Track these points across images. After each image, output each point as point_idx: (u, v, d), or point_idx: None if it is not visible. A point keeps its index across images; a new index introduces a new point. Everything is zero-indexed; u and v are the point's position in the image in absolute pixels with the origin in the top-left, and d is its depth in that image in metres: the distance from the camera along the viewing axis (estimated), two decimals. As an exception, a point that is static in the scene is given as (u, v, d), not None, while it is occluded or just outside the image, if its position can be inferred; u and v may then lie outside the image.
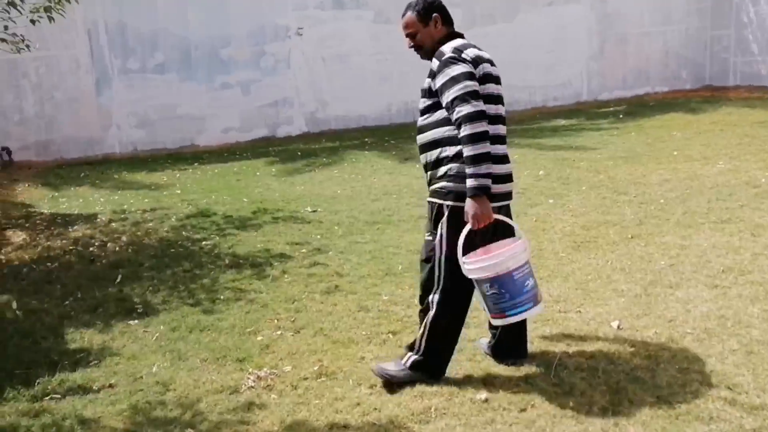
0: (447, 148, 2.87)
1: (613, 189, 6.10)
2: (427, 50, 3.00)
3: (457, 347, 3.04)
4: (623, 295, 3.83)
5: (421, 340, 2.97)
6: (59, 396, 3.05)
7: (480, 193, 2.74)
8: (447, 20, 3.01)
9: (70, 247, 5.31)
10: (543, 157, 7.69)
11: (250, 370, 3.21)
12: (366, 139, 9.45)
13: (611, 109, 10.96)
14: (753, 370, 2.95)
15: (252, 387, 3.05)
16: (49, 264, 4.95)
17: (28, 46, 6.05)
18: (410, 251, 4.70)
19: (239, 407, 2.91)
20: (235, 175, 7.82)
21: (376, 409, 2.82)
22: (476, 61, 2.86)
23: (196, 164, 8.52)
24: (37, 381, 3.17)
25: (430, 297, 2.96)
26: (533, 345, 3.26)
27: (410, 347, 3.04)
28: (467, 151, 2.75)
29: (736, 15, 12.02)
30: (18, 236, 5.72)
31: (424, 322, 2.98)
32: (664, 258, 4.36)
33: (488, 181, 2.75)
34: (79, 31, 9.03)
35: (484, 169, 2.74)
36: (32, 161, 8.96)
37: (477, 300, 2.95)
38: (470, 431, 2.64)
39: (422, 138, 3.00)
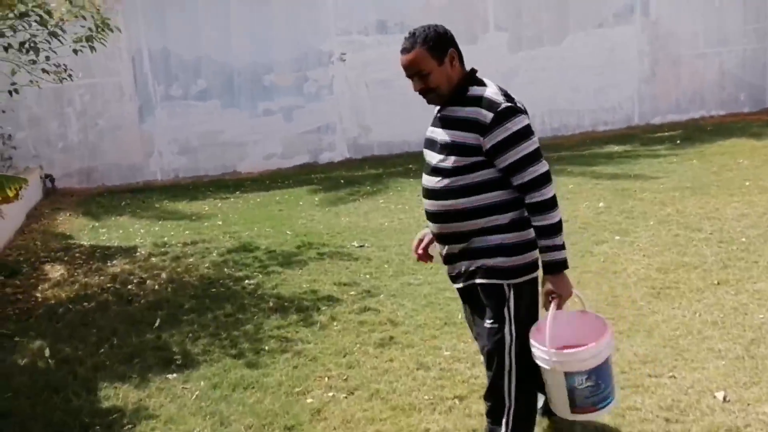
0: (499, 216, 2.42)
1: (685, 225, 5.60)
2: (442, 94, 2.48)
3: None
4: (722, 357, 3.35)
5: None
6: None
7: (563, 268, 2.40)
8: (460, 55, 2.50)
9: (108, 285, 5.08)
10: (600, 186, 7.23)
11: (300, 440, 2.87)
12: (410, 166, 9.10)
13: (666, 133, 10.41)
14: None
15: (303, 462, 2.71)
16: (85, 304, 4.72)
17: (70, 76, 5.93)
18: (468, 296, 4.31)
19: (289, 488, 2.56)
20: (277, 205, 7.56)
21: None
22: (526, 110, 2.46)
23: (237, 192, 8.30)
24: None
25: (505, 392, 2.52)
26: (624, 419, 2.84)
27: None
28: (546, 219, 2.37)
29: (798, 35, 11.40)
30: (56, 271, 5.53)
31: (505, 420, 2.55)
32: (762, 310, 3.86)
33: (567, 254, 2.43)
34: (124, 58, 9.00)
35: (562, 239, 2.40)
36: (75, 188, 8.91)
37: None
38: None
39: (448, 205, 2.45)
